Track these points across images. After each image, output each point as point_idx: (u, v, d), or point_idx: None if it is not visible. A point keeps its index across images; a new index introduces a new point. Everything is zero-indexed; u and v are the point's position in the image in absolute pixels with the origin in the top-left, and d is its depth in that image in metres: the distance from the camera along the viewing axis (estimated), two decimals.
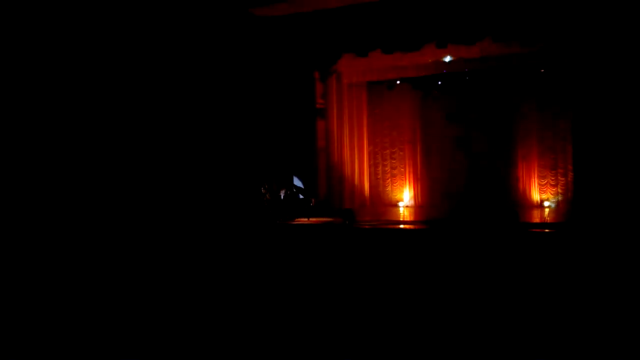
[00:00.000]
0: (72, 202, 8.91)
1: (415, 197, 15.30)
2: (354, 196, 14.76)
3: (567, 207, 13.20)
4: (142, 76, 10.22)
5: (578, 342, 3.95)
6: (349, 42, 12.25)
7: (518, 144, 14.15)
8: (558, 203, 13.67)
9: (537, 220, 11.55)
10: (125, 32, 9.78)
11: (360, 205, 14.59)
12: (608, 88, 10.50)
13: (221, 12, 11.03)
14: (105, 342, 4.14)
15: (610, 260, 6.53)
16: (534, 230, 9.98)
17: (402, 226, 11.69)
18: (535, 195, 13.94)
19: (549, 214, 12.62)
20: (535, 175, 13.97)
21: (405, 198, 15.33)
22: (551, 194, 13.85)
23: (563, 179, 13.71)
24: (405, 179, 15.41)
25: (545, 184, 13.92)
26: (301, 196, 13.39)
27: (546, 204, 13.73)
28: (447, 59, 13.29)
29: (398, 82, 14.69)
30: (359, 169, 15.12)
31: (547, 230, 9.98)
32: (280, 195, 12.94)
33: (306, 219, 12.20)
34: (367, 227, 10.93)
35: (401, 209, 14.86)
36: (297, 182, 13.82)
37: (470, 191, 14.23)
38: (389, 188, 15.59)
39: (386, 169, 15.64)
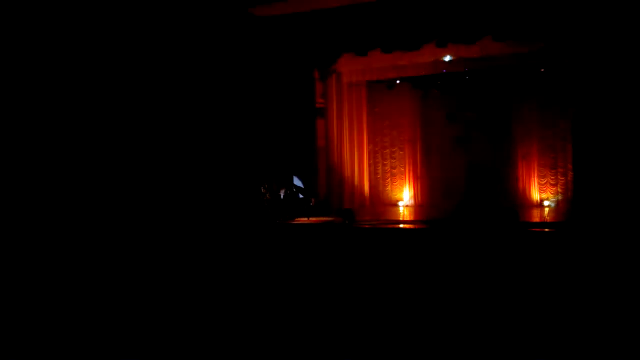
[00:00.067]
0: (72, 202, 8.90)
1: (415, 196, 15.30)
2: (354, 196, 14.76)
3: (567, 206, 13.20)
4: (143, 76, 10.21)
5: (578, 342, 3.95)
6: (349, 42, 12.24)
7: (518, 143, 14.15)
8: (558, 202, 13.67)
9: (537, 219, 11.55)
10: (126, 32, 9.78)
11: (360, 205, 14.59)
12: (608, 87, 10.49)
13: (221, 12, 11.02)
14: (105, 342, 4.14)
15: (610, 260, 6.53)
16: (533, 229, 9.99)
17: (401, 226, 11.69)
18: (535, 195, 13.94)
19: (548, 213, 12.62)
20: (535, 175, 13.97)
21: (405, 197, 15.33)
22: (551, 193, 13.86)
23: (563, 178, 13.71)
24: (405, 179, 15.41)
25: (545, 183, 13.93)
26: (301, 196, 13.39)
27: (546, 203, 13.73)
28: (447, 58, 13.29)
29: (398, 81, 14.68)
30: (359, 168, 15.12)
31: (546, 230, 9.99)
32: (280, 195, 12.94)
33: (306, 219, 12.20)
34: (366, 226, 10.93)
35: (401, 209, 14.86)
36: (297, 181, 13.82)
37: (470, 190, 14.23)
38: (388, 187, 15.59)
39: (386, 168, 15.64)
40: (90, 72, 9.46)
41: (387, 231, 10.65)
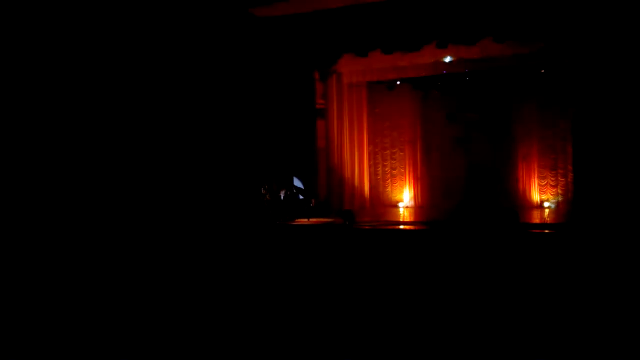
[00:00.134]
0: (72, 203, 8.90)
1: (415, 197, 15.30)
2: (354, 197, 14.76)
3: (567, 207, 13.20)
4: (143, 77, 10.21)
5: (578, 342, 3.95)
6: (349, 42, 12.25)
7: (518, 144, 14.16)
8: (558, 204, 13.67)
9: (537, 220, 11.54)
10: (126, 33, 9.78)
11: (360, 206, 14.59)
12: (608, 88, 10.49)
13: (221, 13, 11.02)
14: (105, 342, 4.13)
15: (609, 261, 6.53)
16: (534, 230, 9.98)
17: (402, 227, 11.69)
18: (535, 196, 13.94)
19: (548, 214, 12.62)
20: (535, 176, 13.98)
21: (405, 198, 15.33)
22: (551, 194, 13.86)
23: (563, 179, 13.71)
24: (405, 179, 15.41)
25: (545, 184, 13.93)
26: (301, 197, 13.39)
27: (546, 204, 13.72)
28: (447, 59, 13.29)
29: (398, 82, 14.69)
30: (359, 169, 15.12)
31: (546, 231, 9.98)
32: (280, 196, 12.94)
33: (306, 220, 12.20)
34: (367, 227, 10.92)
35: (401, 210, 14.86)
36: (297, 182, 13.82)
37: (471, 191, 14.23)
38: (389, 188, 15.59)
39: (386, 169, 15.64)
40: (92, 73, 9.46)
41: (387, 232, 10.65)
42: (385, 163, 15.65)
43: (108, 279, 6.27)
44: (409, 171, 15.37)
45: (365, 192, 15.32)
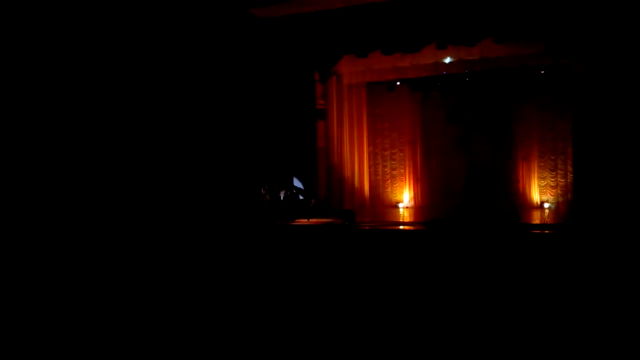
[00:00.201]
0: (73, 203, 8.90)
1: (415, 198, 15.29)
2: (354, 197, 14.76)
3: (567, 208, 13.20)
4: (143, 77, 10.21)
5: (578, 342, 3.95)
6: (349, 43, 12.25)
7: (518, 144, 14.16)
8: (558, 204, 13.67)
9: (537, 221, 11.54)
10: (127, 33, 9.78)
11: (360, 206, 14.58)
12: (608, 89, 10.50)
13: (222, 13, 11.03)
14: (105, 342, 4.13)
15: (609, 262, 6.53)
16: (534, 231, 9.98)
17: (402, 227, 11.69)
18: (535, 196, 13.94)
19: (549, 215, 12.62)
20: (535, 176, 13.97)
21: (405, 199, 15.32)
22: (551, 195, 13.86)
23: (563, 180, 13.71)
24: (405, 180, 15.41)
25: (545, 185, 13.93)
26: (301, 197, 13.38)
27: (546, 205, 13.72)
28: (447, 60, 13.29)
29: (398, 83, 14.67)
30: (359, 169, 15.12)
31: (547, 232, 9.98)
32: (280, 196, 12.94)
33: (306, 220, 12.19)
34: (367, 228, 10.93)
35: (401, 210, 14.86)
36: (297, 182, 13.81)
37: (471, 192, 14.22)
38: (389, 189, 15.58)
39: (386, 169, 15.64)
40: (92, 73, 9.46)
41: (387, 232, 10.65)
42: (385, 163, 15.65)
43: (108, 279, 6.27)
44: (409, 171, 15.36)
45: (365, 192, 15.32)
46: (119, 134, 9.83)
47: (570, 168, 13.35)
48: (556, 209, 13.49)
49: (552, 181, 13.86)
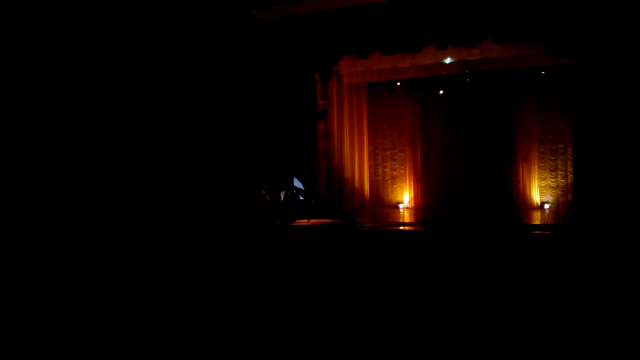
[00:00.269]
0: (73, 203, 8.90)
1: (415, 198, 15.30)
2: (354, 197, 14.76)
3: (567, 209, 13.20)
4: (144, 78, 10.22)
5: (578, 342, 3.95)
6: (350, 44, 12.26)
7: (518, 145, 14.17)
8: (558, 205, 13.67)
9: (537, 222, 11.55)
10: (128, 34, 9.79)
11: (360, 207, 14.58)
12: (608, 89, 10.50)
13: (223, 14, 11.03)
14: (105, 342, 4.14)
15: (609, 262, 6.54)
16: (535, 232, 9.98)
17: (402, 227, 11.70)
18: (536, 197, 13.95)
19: (549, 215, 12.62)
20: (536, 177, 13.98)
21: (405, 199, 15.33)
22: (551, 195, 13.87)
23: (563, 180, 13.73)
24: (406, 180, 15.41)
25: (546, 185, 13.94)
26: (301, 197, 13.39)
27: (546, 206, 13.73)
28: (448, 60, 13.31)
29: (398, 83, 14.69)
30: (359, 170, 15.13)
31: (547, 232, 9.98)
32: (281, 197, 12.94)
33: (306, 220, 12.20)
34: (367, 228, 10.93)
35: (401, 210, 14.87)
36: (297, 183, 13.82)
37: (471, 192, 14.23)
38: (389, 189, 15.59)
39: (386, 170, 15.64)
40: (93, 74, 9.47)
41: (387, 233, 10.65)
42: (385, 164, 15.65)
43: (109, 279, 6.27)
44: (409, 172, 15.37)
45: (366, 192, 15.32)
46: (120, 134, 9.84)
47: (570, 168, 13.36)
48: (556, 210, 13.50)
49: (553, 181, 13.87)
